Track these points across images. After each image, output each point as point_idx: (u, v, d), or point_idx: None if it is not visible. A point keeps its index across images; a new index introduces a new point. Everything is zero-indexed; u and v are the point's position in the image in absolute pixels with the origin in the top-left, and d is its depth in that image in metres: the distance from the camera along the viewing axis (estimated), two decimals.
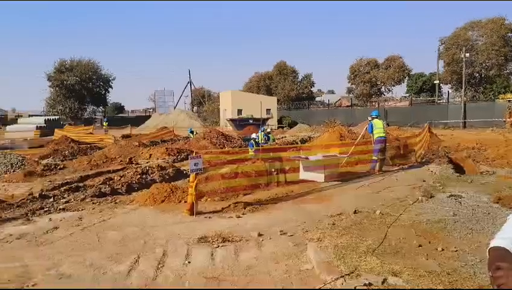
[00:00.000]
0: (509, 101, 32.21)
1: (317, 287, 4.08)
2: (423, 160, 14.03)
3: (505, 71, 47.94)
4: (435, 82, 51.24)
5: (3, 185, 10.54)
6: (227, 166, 9.36)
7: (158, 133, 31.31)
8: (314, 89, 70.76)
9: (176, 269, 4.78)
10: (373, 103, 54.85)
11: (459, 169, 12.63)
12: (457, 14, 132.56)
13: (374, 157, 11.71)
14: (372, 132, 11.89)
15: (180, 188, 9.01)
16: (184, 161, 14.93)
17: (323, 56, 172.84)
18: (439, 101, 47.21)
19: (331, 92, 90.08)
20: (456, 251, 5.09)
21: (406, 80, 59.27)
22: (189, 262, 5.00)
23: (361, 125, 23.51)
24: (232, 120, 43.70)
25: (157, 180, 10.66)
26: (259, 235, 5.96)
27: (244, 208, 7.61)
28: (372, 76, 56.67)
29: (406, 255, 5.01)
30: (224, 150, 15.61)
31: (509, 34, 45.54)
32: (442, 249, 5.15)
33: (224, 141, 21.24)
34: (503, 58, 45.28)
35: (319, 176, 10.23)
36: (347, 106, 57.79)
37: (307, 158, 10.55)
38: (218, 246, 5.50)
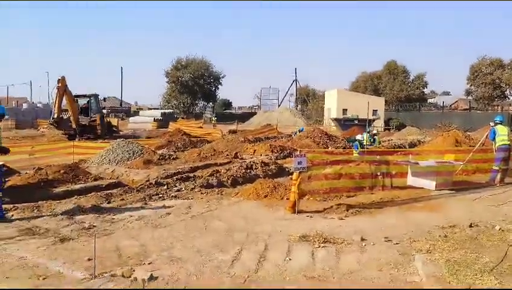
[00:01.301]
0: None
1: None
2: None
3: None
4: None
5: (126, 171, 11.71)
6: (331, 166, 9.22)
7: (262, 130, 32.06)
8: (426, 90, 66.31)
9: (276, 264, 4.86)
10: (495, 107, 49.59)
11: None
12: None
13: (495, 167, 10.57)
14: (494, 138, 10.74)
15: (283, 185, 9.13)
16: (286, 158, 15.10)
17: (439, 54, 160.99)
18: None
19: (446, 93, 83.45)
20: None
21: None
22: (289, 259, 5.05)
23: (480, 130, 21.42)
24: (336, 120, 43.02)
25: (261, 176, 10.94)
26: (362, 239, 5.77)
27: (347, 210, 7.44)
28: (495, 77, 51.24)
29: None
30: (327, 150, 15.45)
31: None
32: None
33: (328, 141, 20.99)
34: None
35: (429, 183, 9.56)
36: (464, 109, 53.12)
37: (416, 163, 9.93)
38: (319, 247, 5.45)
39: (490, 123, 11.44)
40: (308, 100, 64.54)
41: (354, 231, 6.19)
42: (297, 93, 72.96)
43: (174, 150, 17.49)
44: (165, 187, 9.62)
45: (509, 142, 10.76)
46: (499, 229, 6.35)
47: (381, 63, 64.46)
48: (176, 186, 9.80)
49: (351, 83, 67.12)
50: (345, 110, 43.73)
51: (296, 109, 66.41)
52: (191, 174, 10.95)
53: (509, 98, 54.32)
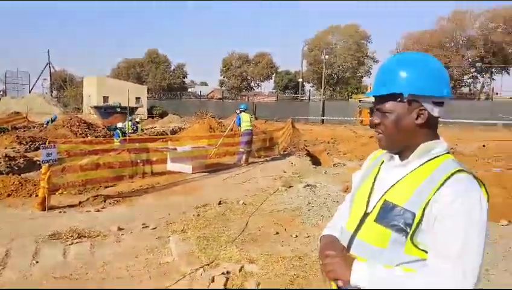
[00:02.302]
0: (359, 101, 36.10)
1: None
2: (285, 152, 15.00)
3: (358, 74, 54.15)
4: (298, 80, 55.14)
5: None
6: (88, 157, 8.75)
7: (8, 119, 27.91)
8: (187, 80, 70.36)
9: (20, 270, 4.29)
10: (243, 97, 56.77)
11: (316, 161, 13.83)
12: (324, 18, 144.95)
13: (241, 149, 12.13)
14: (240, 124, 12.29)
15: (32, 180, 8.15)
16: (38, 150, 13.50)
17: (197, 47, 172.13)
18: (301, 98, 51.01)
19: (204, 83, 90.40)
20: (308, 237, 5.54)
21: (273, 77, 62.70)
22: (37, 262, 4.54)
23: (230, 118, 24.12)
24: (96, 108, 40.89)
25: (4, 172, 9.46)
26: (119, 229, 5.69)
27: (104, 201, 7.20)
28: (243, 70, 58.59)
29: (263, 243, 5.29)
30: (86, 140, 14.56)
31: (362, 41, 51.53)
32: (296, 236, 5.57)
33: (87, 130, 19.88)
34: (356, 62, 51.06)
35: (186, 167, 10.21)
36: (218, 99, 58.75)
37: (175, 149, 10.44)
38: (72, 243, 5.10)
39: (236, 111, 13.03)
40: (65, 86, 59.21)
41: (111, 222, 6.03)
42: (52, 78, 65.93)
43: None
44: None
45: (251, 127, 12.51)
46: (242, 203, 7.30)
47: (143, 51, 64.86)
48: None
49: (113, 70, 65.15)
50: (106, 98, 42.12)
51: (51, 95, 59.98)
52: None
53: (254, 89, 63.08)
